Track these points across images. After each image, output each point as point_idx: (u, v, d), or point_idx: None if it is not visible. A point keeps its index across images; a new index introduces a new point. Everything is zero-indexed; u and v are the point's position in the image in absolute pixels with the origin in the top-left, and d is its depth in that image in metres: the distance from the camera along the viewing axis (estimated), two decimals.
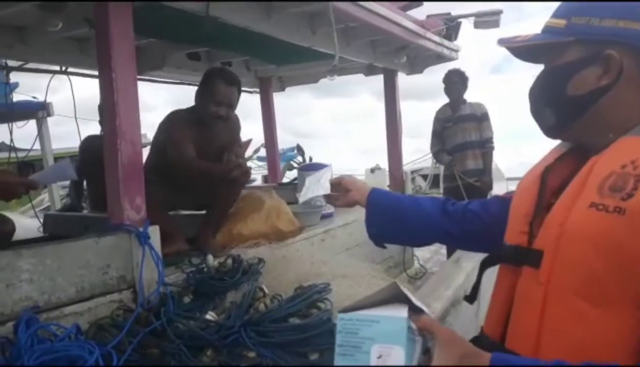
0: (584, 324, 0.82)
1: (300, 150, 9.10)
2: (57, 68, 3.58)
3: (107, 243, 1.85)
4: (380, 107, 4.73)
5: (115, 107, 1.91)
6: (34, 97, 5.26)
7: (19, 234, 2.69)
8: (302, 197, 1.58)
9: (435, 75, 5.10)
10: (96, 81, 2.16)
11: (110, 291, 1.84)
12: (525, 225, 0.99)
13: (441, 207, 1.31)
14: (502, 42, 1.04)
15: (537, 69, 1.06)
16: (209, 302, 1.91)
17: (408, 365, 0.77)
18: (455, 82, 4.72)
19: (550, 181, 1.01)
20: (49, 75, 3.63)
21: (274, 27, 2.84)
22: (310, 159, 7.99)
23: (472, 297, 1.18)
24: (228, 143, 2.65)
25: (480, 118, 4.73)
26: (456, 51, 4.50)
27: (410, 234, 1.38)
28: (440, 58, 4.52)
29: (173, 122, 2.58)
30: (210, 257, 2.10)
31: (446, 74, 4.81)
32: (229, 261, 2.11)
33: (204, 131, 2.60)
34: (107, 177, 1.96)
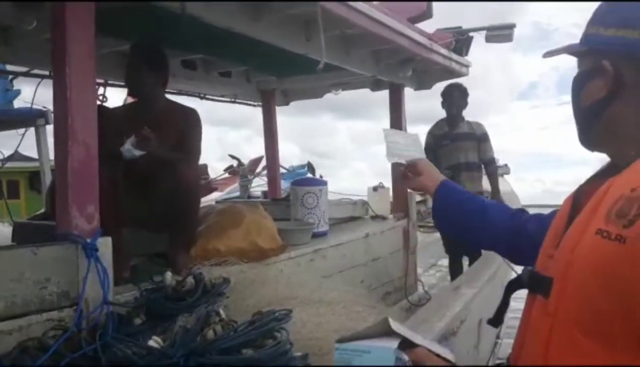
0: (586, 363, 0.76)
1: (310, 167, 8.96)
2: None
3: (47, 254, 1.65)
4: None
5: (67, 106, 1.73)
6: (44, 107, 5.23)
7: None
8: (391, 152, 1.54)
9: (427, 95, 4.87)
10: None
11: (48, 308, 1.64)
12: (552, 249, 0.92)
13: (508, 220, 1.33)
14: (546, 55, 1.04)
15: (562, 97, 0.89)
16: (161, 325, 1.70)
17: None
18: (456, 97, 4.43)
19: (583, 202, 0.90)
20: (44, 82, 3.52)
21: (263, 31, 2.67)
22: (321, 177, 7.82)
23: (495, 320, 1.06)
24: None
25: (480, 138, 4.46)
26: (467, 66, 4.28)
27: (471, 238, 1.47)
28: (450, 73, 4.31)
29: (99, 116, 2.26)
30: (168, 275, 1.89)
31: (446, 87, 4.52)
32: (191, 280, 1.90)
33: (137, 120, 2.42)
34: (57, 181, 1.79)
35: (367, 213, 4.30)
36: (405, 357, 0.82)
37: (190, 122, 2.57)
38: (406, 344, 0.84)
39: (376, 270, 3.69)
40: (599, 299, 0.75)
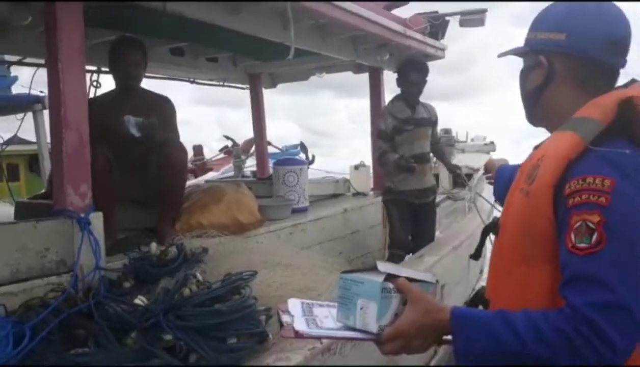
0: (517, 279, 1.08)
1: (303, 147, 9.12)
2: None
3: (47, 227, 1.91)
4: None
5: (60, 97, 1.97)
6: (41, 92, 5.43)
7: None
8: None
9: None
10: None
11: (48, 274, 1.90)
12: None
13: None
14: (500, 55, 1.34)
15: None
16: (146, 288, 1.96)
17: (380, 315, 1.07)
18: (417, 80, 3.80)
19: None
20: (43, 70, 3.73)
21: (240, 23, 2.88)
22: (313, 157, 8.01)
23: (476, 255, 1.43)
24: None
25: (434, 123, 4.01)
26: (442, 50, 4.49)
27: None
28: (426, 57, 4.50)
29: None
30: (153, 245, 2.15)
31: (404, 63, 3.93)
32: (174, 249, 2.16)
33: (120, 106, 2.67)
34: (52, 164, 2.03)
35: (348, 190, 4.55)
36: (391, 285, 1.08)
37: (169, 109, 2.87)
38: (392, 278, 1.10)
39: (355, 243, 3.96)
40: (520, 236, 1.08)
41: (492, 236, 1.27)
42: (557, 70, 1.17)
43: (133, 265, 2.04)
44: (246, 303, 1.70)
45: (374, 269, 1.11)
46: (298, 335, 1.08)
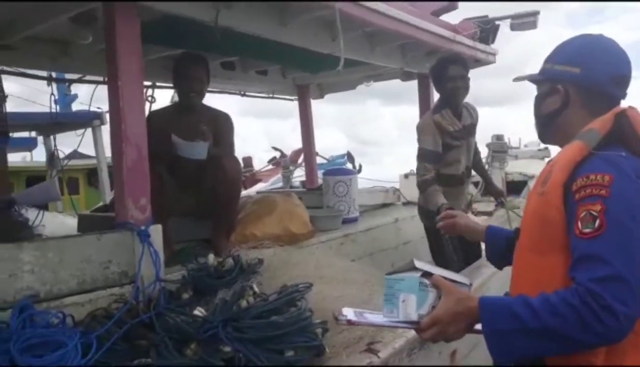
0: (534, 268, 1.26)
1: (350, 157, 9.11)
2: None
3: (109, 240, 1.98)
4: None
5: (120, 113, 2.04)
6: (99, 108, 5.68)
7: (59, 232, 2.90)
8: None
9: (475, 82, 4.76)
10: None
11: (111, 285, 1.97)
12: None
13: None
14: (516, 79, 1.60)
15: None
16: (204, 299, 2.00)
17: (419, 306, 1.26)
18: (458, 74, 3.21)
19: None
20: (101, 86, 3.90)
21: (289, 35, 2.91)
22: (360, 166, 7.99)
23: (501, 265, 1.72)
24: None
25: (476, 128, 3.47)
26: (493, 55, 4.38)
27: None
28: (477, 62, 4.42)
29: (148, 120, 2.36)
30: (211, 256, 2.19)
31: (436, 62, 3.39)
32: (230, 261, 2.19)
33: (180, 121, 2.77)
34: (114, 179, 2.10)
35: (398, 200, 4.50)
36: (427, 281, 1.26)
37: (227, 125, 2.95)
38: (429, 275, 1.28)
39: (407, 253, 3.90)
40: (536, 229, 1.28)
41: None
42: (571, 97, 1.38)
43: (191, 276, 2.08)
44: (303, 316, 1.70)
45: (413, 268, 1.29)
46: (350, 323, 1.29)
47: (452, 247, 3.21)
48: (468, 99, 3.38)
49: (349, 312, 1.36)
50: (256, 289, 1.96)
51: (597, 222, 1.13)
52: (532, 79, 1.49)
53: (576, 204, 1.18)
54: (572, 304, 1.09)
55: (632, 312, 1.09)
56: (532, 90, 1.54)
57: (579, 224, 1.15)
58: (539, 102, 1.48)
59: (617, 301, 1.07)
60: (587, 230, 1.14)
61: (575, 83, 1.37)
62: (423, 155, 3.17)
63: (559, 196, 1.22)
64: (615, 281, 1.08)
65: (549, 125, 1.45)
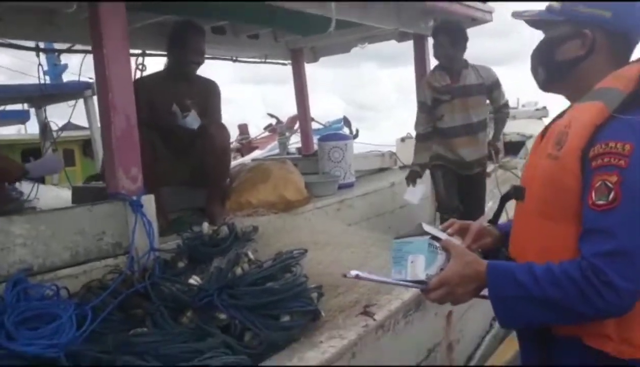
0: (544, 234, 1.20)
1: (347, 122, 9.04)
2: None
3: (101, 211, 1.96)
4: None
5: (107, 83, 1.99)
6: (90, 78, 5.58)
7: (53, 205, 2.89)
8: None
9: (472, 42, 4.72)
10: None
11: (105, 256, 1.96)
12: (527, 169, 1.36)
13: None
14: (515, 15, 1.36)
15: None
16: (199, 267, 2.00)
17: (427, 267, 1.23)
18: (443, 42, 3.47)
19: (547, 135, 1.28)
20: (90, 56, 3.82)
21: None
22: (357, 131, 7.93)
23: (493, 221, 1.52)
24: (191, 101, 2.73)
25: (491, 88, 3.63)
26: (490, 12, 4.29)
27: None
28: (473, 21, 4.32)
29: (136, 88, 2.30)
30: (205, 225, 2.18)
31: (432, 29, 3.68)
32: (225, 229, 2.18)
33: (170, 89, 2.73)
34: (103, 149, 2.07)
35: (395, 164, 4.47)
36: (437, 243, 1.25)
37: (216, 94, 2.90)
38: (438, 240, 1.27)
39: (403, 217, 3.89)
40: (548, 194, 1.19)
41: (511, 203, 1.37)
42: (597, 44, 1.23)
43: (186, 245, 2.07)
44: (298, 281, 1.70)
45: (422, 233, 1.28)
46: (358, 277, 1.25)
47: (445, 186, 3.70)
48: (473, 60, 3.66)
49: (354, 271, 1.34)
50: (251, 256, 1.96)
51: (612, 194, 1.07)
52: (546, 17, 1.30)
53: (592, 172, 1.11)
54: (573, 277, 1.07)
55: (636, 287, 1.06)
56: (529, 49, 1.42)
57: (593, 194, 1.09)
58: (551, 46, 1.30)
59: (619, 277, 1.04)
60: (600, 202, 1.08)
61: (604, 28, 1.22)
62: (418, 107, 3.71)
63: (576, 161, 1.13)
64: (619, 255, 1.05)
65: (562, 73, 1.29)
